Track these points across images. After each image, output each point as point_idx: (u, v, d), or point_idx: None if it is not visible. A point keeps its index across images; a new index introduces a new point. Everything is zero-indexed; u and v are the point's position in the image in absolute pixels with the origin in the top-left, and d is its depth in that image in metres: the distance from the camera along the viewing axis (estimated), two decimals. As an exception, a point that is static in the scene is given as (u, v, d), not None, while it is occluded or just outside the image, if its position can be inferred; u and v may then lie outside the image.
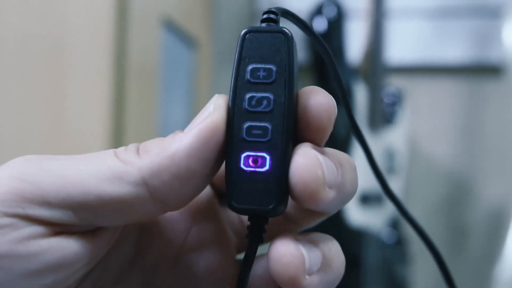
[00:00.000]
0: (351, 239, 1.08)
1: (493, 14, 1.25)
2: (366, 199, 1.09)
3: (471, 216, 1.29)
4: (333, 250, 0.25)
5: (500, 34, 1.24)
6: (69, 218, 0.23)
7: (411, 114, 1.24)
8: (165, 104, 1.11)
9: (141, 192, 0.23)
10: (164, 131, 1.11)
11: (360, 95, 1.12)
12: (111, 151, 0.24)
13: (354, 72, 1.15)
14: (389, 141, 1.16)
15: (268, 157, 0.23)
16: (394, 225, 1.14)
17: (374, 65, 1.12)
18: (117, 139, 0.90)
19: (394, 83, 1.21)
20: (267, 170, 0.23)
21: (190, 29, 1.24)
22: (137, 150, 0.24)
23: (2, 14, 0.91)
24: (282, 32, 0.24)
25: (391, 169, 1.15)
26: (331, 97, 0.24)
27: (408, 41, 1.29)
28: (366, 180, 0.99)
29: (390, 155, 1.15)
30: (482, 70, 1.29)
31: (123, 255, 0.27)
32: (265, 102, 0.24)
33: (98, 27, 0.89)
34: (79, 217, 0.23)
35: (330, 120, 0.24)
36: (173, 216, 0.27)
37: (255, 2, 1.39)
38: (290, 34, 0.24)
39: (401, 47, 1.26)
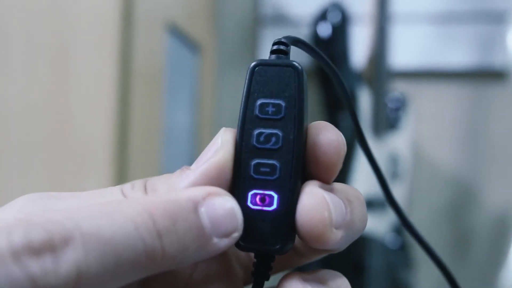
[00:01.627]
0: (354, 245, 1.08)
1: (498, 19, 1.25)
2: (370, 205, 1.09)
3: (475, 221, 1.29)
4: None
5: (504, 39, 1.24)
6: None
7: (415, 119, 1.24)
8: (169, 108, 1.11)
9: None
10: (169, 135, 1.11)
11: (364, 100, 1.12)
12: (117, 189, 0.23)
13: (358, 77, 1.15)
14: (393, 146, 1.16)
15: (276, 196, 0.23)
16: (398, 230, 1.14)
17: (378, 70, 1.12)
18: (122, 143, 0.90)
19: (398, 88, 1.21)
20: (274, 209, 0.23)
21: (194, 34, 1.25)
22: (145, 189, 0.23)
23: (8, 20, 0.92)
24: (292, 66, 0.24)
25: (395, 174, 1.15)
26: (340, 133, 0.24)
27: (412, 46, 1.29)
28: (370, 186, 0.99)
29: (394, 160, 1.15)
30: (487, 75, 1.29)
31: None
32: (273, 139, 0.23)
33: (103, 32, 0.90)
34: None
35: (339, 158, 0.24)
36: None
37: (258, 8, 1.40)
38: (300, 68, 0.24)
39: (405, 52, 1.26)
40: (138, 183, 0.24)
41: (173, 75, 1.13)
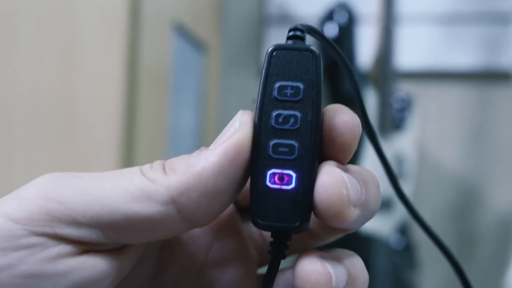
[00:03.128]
0: (359, 245, 1.08)
1: (504, 21, 1.25)
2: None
3: (480, 222, 1.29)
4: (358, 267, 0.25)
5: (510, 41, 1.24)
6: (97, 236, 0.23)
7: (421, 120, 1.24)
8: (176, 107, 1.11)
9: (170, 210, 0.23)
10: (175, 134, 1.11)
11: (370, 100, 1.12)
12: (137, 168, 0.24)
13: (364, 78, 1.15)
14: (398, 146, 1.16)
15: (294, 175, 0.24)
16: (402, 231, 1.14)
17: (384, 71, 1.12)
18: (129, 142, 0.91)
19: (403, 89, 1.21)
20: (293, 188, 0.23)
21: (200, 34, 1.25)
22: (163, 168, 0.23)
23: (16, 21, 0.92)
24: (310, 50, 0.24)
25: (400, 175, 1.15)
26: (356, 116, 0.25)
27: (418, 47, 1.29)
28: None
29: (399, 161, 1.15)
30: (492, 76, 1.29)
31: (146, 271, 0.27)
32: (292, 120, 0.24)
33: (110, 31, 0.90)
34: (106, 235, 0.23)
35: (354, 139, 0.24)
36: (195, 231, 0.27)
37: (264, 8, 1.40)
38: (318, 52, 0.24)
39: (411, 52, 1.26)
40: (156, 163, 0.24)
41: (179, 74, 1.13)
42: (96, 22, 0.91)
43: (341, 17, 1.13)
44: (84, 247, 0.23)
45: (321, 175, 0.23)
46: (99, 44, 0.91)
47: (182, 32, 1.14)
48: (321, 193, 0.23)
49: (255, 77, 1.38)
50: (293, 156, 0.24)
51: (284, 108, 0.24)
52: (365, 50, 1.15)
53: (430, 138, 1.30)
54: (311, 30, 0.26)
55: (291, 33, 0.25)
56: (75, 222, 0.22)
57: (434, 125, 1.31)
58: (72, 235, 0.22)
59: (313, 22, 1.21)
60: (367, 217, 0.24)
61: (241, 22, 1.43)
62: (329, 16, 1.14)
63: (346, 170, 0.24)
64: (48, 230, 0.22)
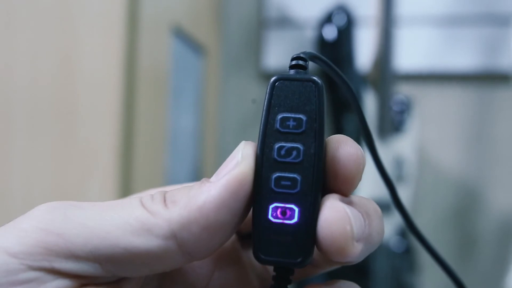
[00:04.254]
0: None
1: (503, 22, 1.25)
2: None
3: (480, 224, 1.28)
4: None
5: (509, 42, 1.24)
6: (95, 270, 0.22)
7: (420, 122, 1.23)
8: (174, 110, 1.11)
9: (170, 245, 0.22)
10: (173, 136, 1.11)
11: (369, 103, 1.12)
12: (137, 200, 0.23)
13: (363, 80, 1.15)
14: (397, 149, 1.15)
15: (297, 209, 0.23)
16: (402, 233, 1.13)
17: (383, 73, 1.12)
18: (127, 145, 0.91)
19: (403, 91, 1.21)
20: (295, 223, 0.23)
21: (199, 37, 1.25)
22: (164, 200, 0.23)
23: (15, 23, 0.92)
24: (313, 81, 0.24)
25: (399, 177, 1.14)
26: (359, 147, 0.24)
27: (417, 49, 1.29)
28: (375, 188, 0.99)
29: (398, 163, 1.15)
30: (492, 78, 1.28)
31: None
32: (294, 153, 0.23)
33: (109, 34, 0.90)
34: (105, 269, 0.22)
35: (358, 171, 0.24)
36: (196, 261, 0.27)
37: (263, 10, 1.40)
38: (320, 83, 0.24)
39: (410, 54, 1.26)
40: (157, 195, 0.23)
41: (178, 77, 1.13)
42: (95, 24, 0.91)
43: (340, 20, 1.13)
44: (82, 281, 0.22)
45: (324, 209, 0.23)
46: (98, 47, 0.91)
47: (181, 34, 1.14)
48: (324, 228, 0.22)
49: (254, 79, 1.38)
50: (296, 190, 0.23)
51: (286, 141, 0.24)
52: (364, 53, 1.15)
53: (430, 140, 1.30)
54: (313, 57, 0.26)
55: (293, 62, 0.25)
56: (74, 256, 0.22)
57: (433, 127, 1.30)
58: (70, 269, 0.22)
59: (312, 24, 1.21)
60: (370, 249, 0.24)
61: (240, 24, 1.43)
62: (328, 19, 1.13)
63: (349, 203, 0.24)
64: (46, 264, 0.21)
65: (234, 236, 0.28)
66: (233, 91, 1.40)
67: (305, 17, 1.32)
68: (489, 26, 1.26)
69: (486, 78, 1.29)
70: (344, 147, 0.24)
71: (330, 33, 1.13)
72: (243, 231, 0.28)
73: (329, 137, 0.25)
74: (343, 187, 0.24)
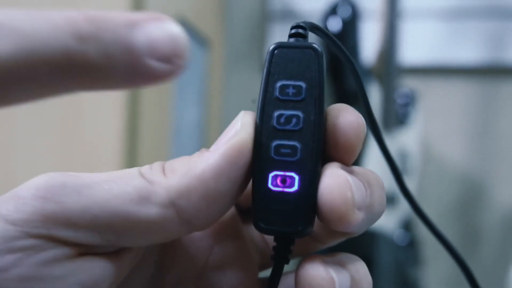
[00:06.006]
0: (363, 241, 1.08)
1: (508, 16, 1.24)
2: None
3: (484, 218, 1.28)
4: (361, 272, 0.24)
5: (515, 35, 1.23)
6: (94, 239, 0.22)
7: (425, 115, 1.23)
8: (179, 103, 1.11)
9: (169, 213, 0.22)
10: (178, 130, 1.11)
11: (374, 96, 1.11)
12: (136, 170, 0.23)
13: (368, 73, 1.14)
14: (402, 142, 1.15)
15: (297, 177, 0.23)
16: (406, 226, 1.13)
17: (388, 66, 1.12)
18: (132, 138, 0.91)
19: (407, 84, 1.21)
20: (295, 191, 0.23)
21: (203, 29, 1.25)
22: (163, 170, 0.23)
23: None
24: (312, 48, 0.24)
25: (404, 171, 1.14)
26: (360, 115, 0.24)
27: (422, 42, 1.29)
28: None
29: (403, 156, 1.15)
30: (496, 72, 1.28)
31: (144, 274, 0.26)
32: (294, 121, 0.23)
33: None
34: (104, 238, 0.22)
35: (359, 140, 0.24)
36: (196, 234, 0.27)
37: (267, 3, 1.39)
38: (320, 50, 0.24)
39: (415, 48, 1.25)
40: (156, 165, 0.23)
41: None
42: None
43: (345, 12, 1.13)
44: (81, 250, 0.22)
45: (324, 177, 0.23)
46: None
47: (185, 27, 1.14)
48: (324, 195, 0.22)
49: (258, 73, 1.38)
50: (296, 158, 0.23)
51: (286, 108, 0.23)
52: (369, 45, 1.15)
53: (434, 133, 1.30)
54: (314, 28, 0.25)
55: (293, 31, 0.25)
56: (73, 224, 0.21)
57: (438, 120, 1.30)
58: (69, 237, 0.21)
59: (317, 17, 1.21)
60: (371, 220, 0.24)
61: (245, 18, 1.43)
62: (332, 11, 1.13)
63: (350, 172, 0.23)
64: (45, 232, 0.21)
65: (234, 211, 0.28)
66: (237, 84, 1.40)
67: (310, 9, 1.32)
68: (494, 20, 1.26)
69: (491, 72, 1.28)
70: (344, 115, 0.24)
71: (335, 25, 1.13)
72: (243, 206, 0.28)
73: (329, 106, 0.24)
74: (344, 156, 0.24)
